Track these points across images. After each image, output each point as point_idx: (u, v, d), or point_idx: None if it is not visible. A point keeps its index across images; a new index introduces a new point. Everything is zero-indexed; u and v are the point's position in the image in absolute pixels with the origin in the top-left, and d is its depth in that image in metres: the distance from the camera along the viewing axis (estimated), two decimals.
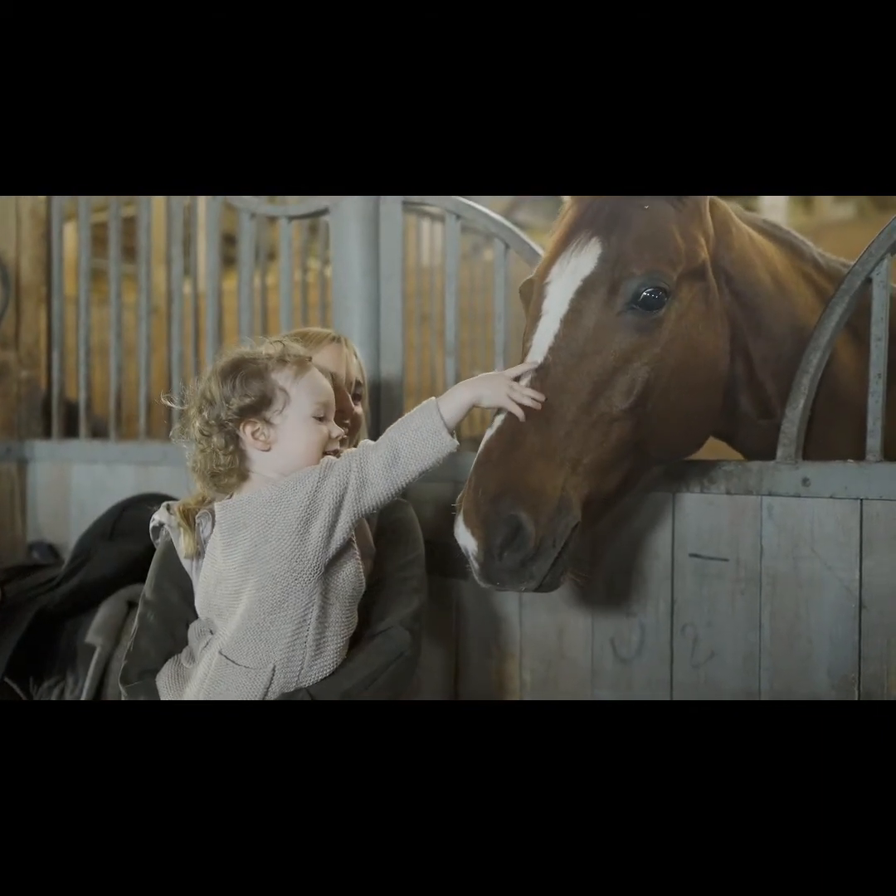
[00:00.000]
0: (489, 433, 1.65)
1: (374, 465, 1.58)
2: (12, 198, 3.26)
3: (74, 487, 3.12)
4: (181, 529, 1.72)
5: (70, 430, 3.28)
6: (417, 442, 1.58)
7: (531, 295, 1.79)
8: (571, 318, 1.67)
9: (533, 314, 1.74)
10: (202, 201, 3.54)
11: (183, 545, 1.72)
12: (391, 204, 2.37)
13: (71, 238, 4.34)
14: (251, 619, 1.59)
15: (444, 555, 2.16)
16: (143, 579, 1.91)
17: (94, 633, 2.37)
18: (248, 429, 1.61)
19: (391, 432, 1.61)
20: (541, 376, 1.65)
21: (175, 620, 1.77)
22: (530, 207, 6.02)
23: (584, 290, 1.68)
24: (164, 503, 1.80)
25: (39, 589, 2.49)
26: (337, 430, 1.68)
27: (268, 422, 1.61)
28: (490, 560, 1.57)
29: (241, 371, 1.61)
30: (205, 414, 1.61)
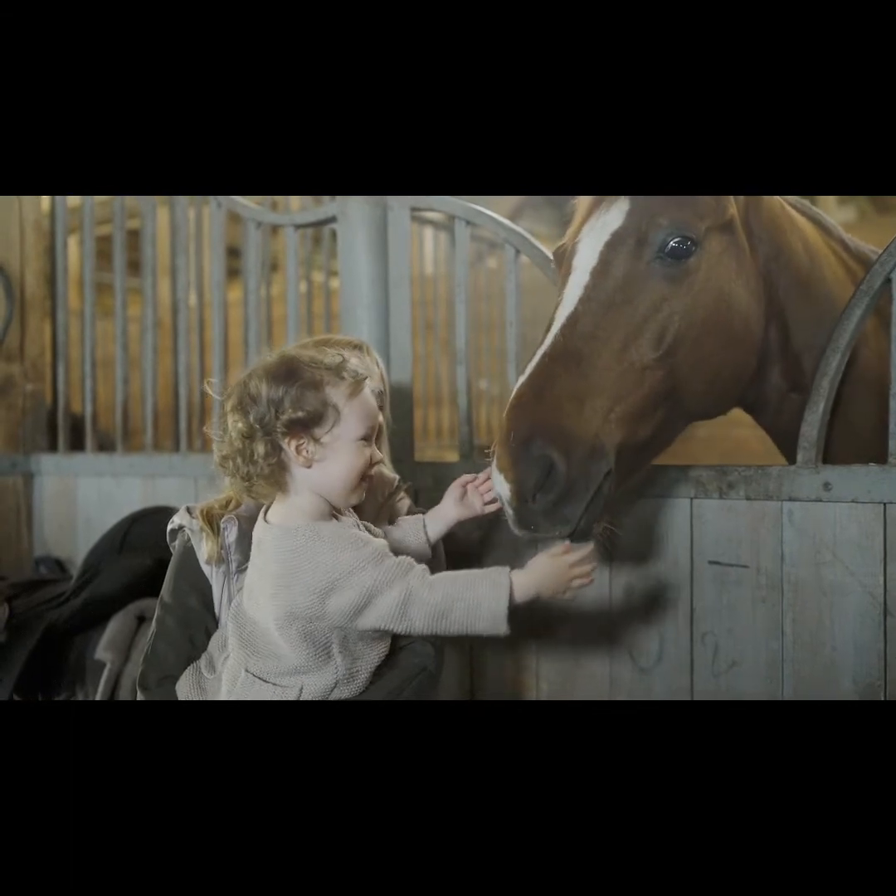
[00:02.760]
0: (521, 380, 1.66)
1: (420, 608, 1.51)
2: (16, 211, 3.24)
3: (81, 501, 3.10)
4: (204, 534, 1.69)
5: (75, 443, 3.26)
6: (472, 613, 1.52)
7: (563, 259, 1.81)
8: (601, 270, 1.70)
9: (564, 271, 1.77)
10: (206, 212, 3.53)
11: (205, 550, 1.69)
12: (399, 211, 2.35)
13: (74, 251, 4.33)
14: (279, 645, 1.55)
15: (454, 564, 2.13)
16: (152, 594, 1.89)
17: (104, 648, 2.34)
18: (294, 443, 1.54)
19: (451, 587, 1.53)
20: (571, 325, 1.67)
21: (193, 625, 1.73)
22: (533, 215, 6.00)
23: (614, 243, 1.71)
24: (185, 506, 1.76)
25: (48, 604, 2.46)
26: (378, 455, 1.63)
27: (316, 440, 1.55)
28: (523, 503, 1.58)
29: (297, 380, 1.53)
30: (251, 416, 1.53)
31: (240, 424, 1.54)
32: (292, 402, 1.52)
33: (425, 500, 2.23)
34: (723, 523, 1.88)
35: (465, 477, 1.80)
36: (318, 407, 1.53)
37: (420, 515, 1.84)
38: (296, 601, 1.51)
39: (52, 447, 3.30)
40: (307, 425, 1.53)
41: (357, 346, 1.87)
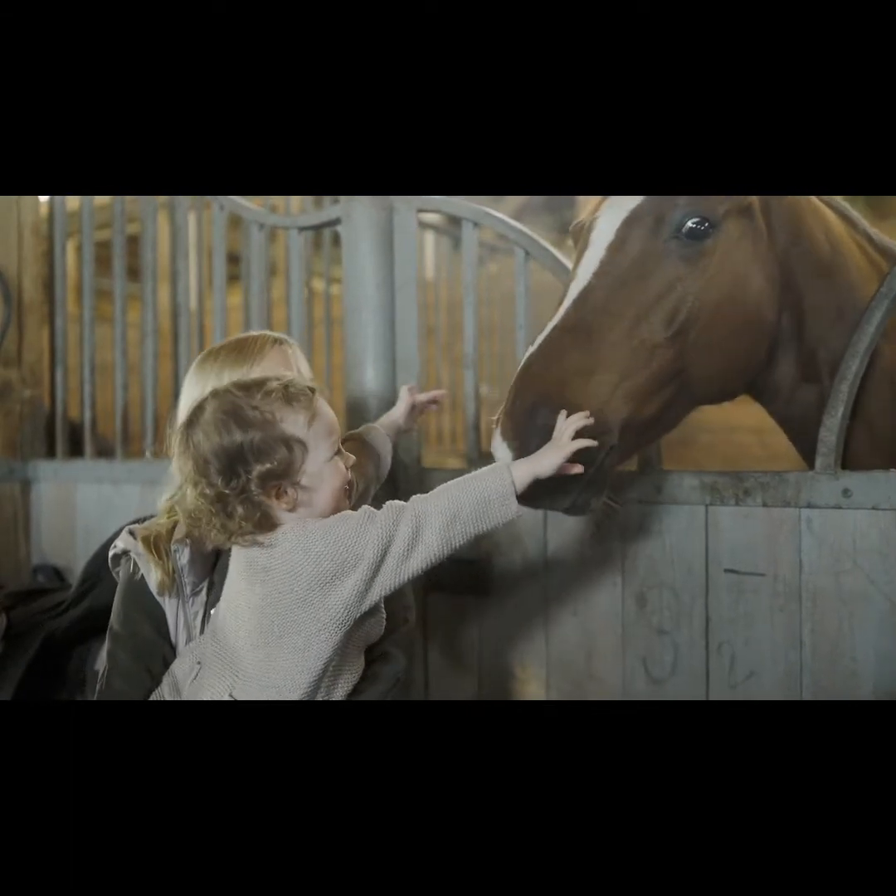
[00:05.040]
0: (530, 350, 1.66)
1: (433, 521, 1.43)
2: (14, 215, 3.21)
3: (80, 508, 3.06)
4: (151, 564, 1.59)
5: (74, 450, 3.22)
6: (482, 503, 1.46)
7: (580, 235, 1.81)
8: (617, 246, 1.70)
9: (580, 247, 1.76)
10: (207, 216, 3.49)
11: (154, 580, 1.59)
12: (404, 213, 2.31)
13: (73, 256, 4.30)
14: (269, 661, 1.48)
15: (460, 572, 2.10)
16: None
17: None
18: (273, 493, 1.45)
19: (453, 490, 1.47)
20: (583, 298, 1.67)
21: (149, 656, 1.62)
22: (532, 219, 5.99)
23: (631, 220, 1.71)
24: (127, 528, 1.66)
25: (47, 614, 2.42)
26: (351, 459, 1.55)
27: (294, 484, 1.46)
28: None
29: (248, 425, 1.43)
30: (218, 480, 1.42)
31: (207, 491, 1.43)
32: (255, 454, 1.42)
33: None
34: (739, 530, 1.84)
35: (426, 395, 1.96)
36: (283, 452, 1.44)
37: (370, 425, 1.91)
38: (307, 599, 1.43)
39: (51, 453, 3.26)
40: (280, 475, 1.44)
41: (277, 341, 1.73)
